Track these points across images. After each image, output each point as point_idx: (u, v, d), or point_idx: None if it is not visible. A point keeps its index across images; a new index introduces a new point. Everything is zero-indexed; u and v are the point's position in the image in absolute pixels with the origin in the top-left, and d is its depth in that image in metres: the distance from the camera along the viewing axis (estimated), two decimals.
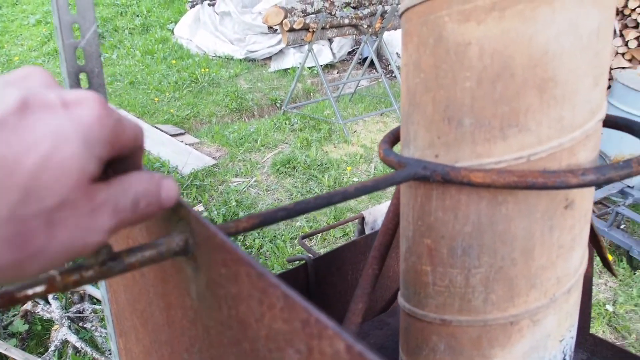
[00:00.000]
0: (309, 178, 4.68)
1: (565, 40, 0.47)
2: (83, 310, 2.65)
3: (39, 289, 0.35)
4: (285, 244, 3.65)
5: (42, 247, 0.30)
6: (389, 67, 8.20)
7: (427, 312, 0.62)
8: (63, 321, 2.55)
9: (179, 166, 4.70)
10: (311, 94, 7.23)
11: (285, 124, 5.80)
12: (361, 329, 1.19)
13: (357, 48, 8.24)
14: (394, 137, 0.70)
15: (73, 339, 2.48)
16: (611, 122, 0.62)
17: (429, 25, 0.52)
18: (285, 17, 5.36)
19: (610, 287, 3.22)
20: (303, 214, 0.49)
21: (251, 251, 3.62)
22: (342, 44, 8.32)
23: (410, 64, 0.56)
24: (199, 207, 4.11)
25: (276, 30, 7.62)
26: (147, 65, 7.60)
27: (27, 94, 0.31)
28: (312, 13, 5.57)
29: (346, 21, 5.81)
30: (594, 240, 0.78)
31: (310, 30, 5.58)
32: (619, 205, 3.38)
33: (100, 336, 2.56)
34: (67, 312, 2.61)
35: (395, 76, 7.54)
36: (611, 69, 5.18)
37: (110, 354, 2.50)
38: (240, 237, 3.72)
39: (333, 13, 5.69)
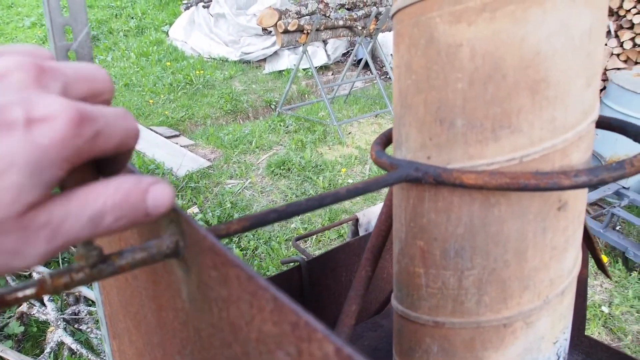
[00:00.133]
0: (304, 180, 4.67)
1: (556, 41, 0.47)
2: (78, 312, 2.64)
3: (29, 291, 0.35)
4: (280, 245, 3.65)
5: None
6: (384, 68, 8.21)
7: (420, 314, 0.62)
8: (59, 323, 2.55)
9: (174, 168, 4.69)
10: (306, 96, 7.23)
11: (280, 125, 5.80)
12: (355, 330, 1.19)
13: (352, 49, 8.25)
14: (386, 139, 0.70)
15: (69, 340, 2.48)
16: (605, 123, 0.62)
17: (420, 26, 0.52)
18: (280, 18, 5.36)
19: (605, 288, 3.22)
20: (295, 216, 0.49)
21: (246, 253, 3.61)
22: (337, 46, 8.33)
23: (401, 65, 0.56)
24: (194, 209, 4.11)
25: (270, 32, 7.62)
26: (142, 67, 7.60)
27: None
28: (307, 15, 5.57)
29: (340, 23, 5.81)
30: (588, 241, 0.79)
31: (305, 31, 5.58)
32: (615, 207, 3.39)
33: (96, 338, 2.56)
34: (63, 314, 2.61)
35: (389, 77, 7.55)
36: (606, 69, 5.19)
37: (105, 355, 2.50)
38: (235, 239, 3.72)
39: (327, 15, 5.69)
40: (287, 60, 7.87)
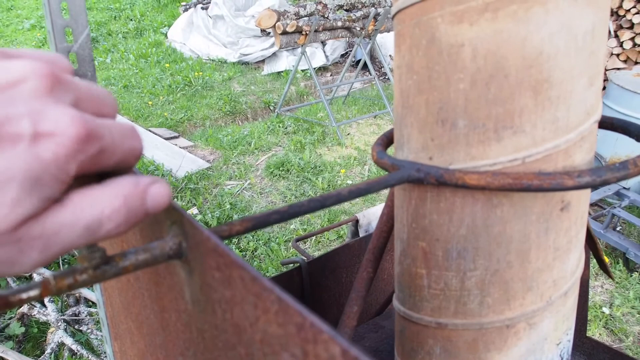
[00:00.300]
0: (303, 181, 4.67)
1: (559, 40, 0.47)
2: (79, 313, 2.65)
3: (33, 292, 0.34)
4: (280, 246, 3.65)
5: None
6: (382, 69, 8.21)
7: (423, 315, 0.62)
8: (59, 324, 2.55)
9: (173, 169, 4.69)
10: (304, 97, 7.23)
11: (279, 126, 5.80)
12: (356, 332, 1.19)
13: (350, 50, 8.26)
14: (387, 140, 0.70)
15: (69, 341, 2.48)
16: (607, 124, 0.62)
17: (421, 26, 0.52)
18: (278, 20, 5.36)
19: (606, 289, 3.22)
20: (296, 217, 0.49)
21: (245, 254, 3.61)
22: (335, 47, 8.33)
23: (402, 65, 0.56)
24: (193, 210, 4.10)
25: (269, 33, 7.63)
26: (141, 69, 7.60)
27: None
28: (305, 16, 5.57)
29: (339, 24, 5.81)
30: (591, 242, 0.78)
31: (303, 33, 5.58)
32: (615, 207, 3.39)
33: (96, 339, 2.56)
34: (63, 315, 2.61)
35: (388, 78, 7.56)
36: (606, 69, 5.20)
37: (106, 356, 2.50)
38: (235, 240, 3.72)
39: (326, 16, 5.69)
40: (285, 61, 7.88)
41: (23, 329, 2.64)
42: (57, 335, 2.51)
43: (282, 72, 7.82)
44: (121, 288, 0.70)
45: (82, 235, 0.32)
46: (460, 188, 0.53)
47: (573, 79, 0.49)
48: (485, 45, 0.48)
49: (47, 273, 2.59)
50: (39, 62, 0.33)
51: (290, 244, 3.71)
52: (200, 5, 8.46)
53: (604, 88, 4.68)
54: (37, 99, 0.31)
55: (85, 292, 2.71)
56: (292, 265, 1.33)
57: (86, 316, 2.64)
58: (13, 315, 2.69)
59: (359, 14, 5.99)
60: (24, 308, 2.66)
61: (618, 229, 3.63)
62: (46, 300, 2.66)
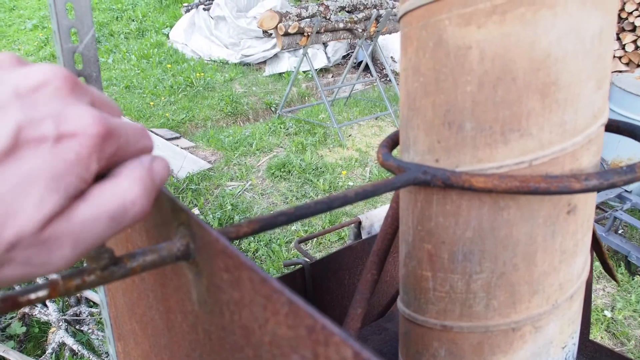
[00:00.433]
0: (304, 182, 4.67)
1: (567, 43, 0.47)
2: (80, 313, 2.65)
3: (42, 293, 0.34)
4: (281, 247, 3.65)
5: None
6: (384, 70, 8.21)
7: (428, 317, 0.62)
8: (60, 324, 2.55)
9: (175, 170, 4.69)
10: (306, 98, 7.23)
11: (280, 128, 5.80)
12: (359, 334, 1.19)
13: (352, 52, 8.26)
14: (392, 142, 0.70)
15: (70, 341, 2.48)
16: (613, 127, 0.62)
17: (428, 28, 0.52)
18: (280, 21, 5.37)
19: (608, 292, 3.22)
20: (303, 218, 0.49)
21: (246, 255, 3.61)
22: (337, 48, 8.33)
23: (409, 68, 0.56)
24: (195, 211, 4.10)
25: (271, 34, 7.62)
26: (143, 69, 7.60)
27: (24, 124, 0.29)
28: (307, 17, 5.58)
29: (341, 25, 5.82)
30: (595, 245, 0.78)
31: (305, 34, 5.58)
32: (617, 210, 3.38)
33: (97, 339, 2.56)
34: (64, 315, 2.61)
35: (390, 80, 7.55)
36: None
37: (107, 356, 2.50)
38: (236, 241, 3.72)
39: (328, 17, 5.70)
40: (287, 62, 7.88)
41: (24, 329, 2.64)
42: (58, 335, 2.51)
43: (283, 73, 7.82)
44: (125, 289, 0.70)
45: (110, 225, 0.33)
46: (467, 191, 0.53)
47: (581, 82, 0.49)
48: (493, 47, 0.48)
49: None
50: (56, 66, 0.34)
51: (291, 245, 3.71)
52: (202, 6, 8.47)
53: None
54: (59, 100, 0.32)
55: (86, 292, 2.71)
56: (293, 266, 1.33)
57: (87, 316, 2.64)
58: (14, 314, 2.69)
59: (360, 15, 5.99)
60: (25, 308, 2.66)
61: (620, 232, 3.62)
62: (47, 300, 2.66)
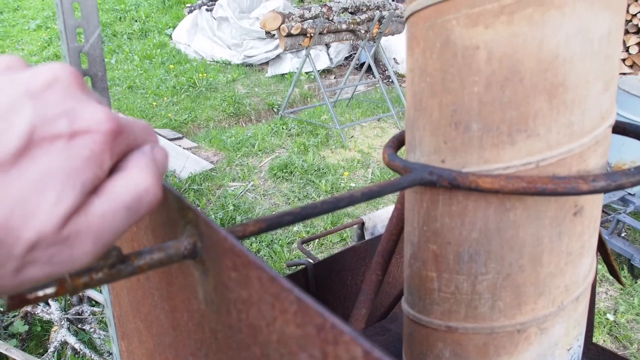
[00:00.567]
0: (306, 183, 4.67)
1: (575, 44, 0.47)
2: (82, 312, 2.65)
3: (50, 290, 0.34)
4: (283, 248, 3.65)
5: (8, 286, 0.30)
6: (386, 72, 8.21)
7: (433, 318, 0.62)
8: (62, 323, 2.55)
9: (177, 170, 4.69)
10: (308, 99, 7.23)
11: (283, 128, 5.80)
12: (363, 335, 1.19)
13: (354, 53, 8.25)
14: (398, 142, 0.70)
15: (72, 340, 2.49)
16: (619, 128, 0.61)
17: (435, 29, 0.51)
18: (283, 22, 5.37)
19: (611, 295, 3.21)
20: (310, 218, 0.49)
21: None
22: (340, 49, 8.33)
23: (415, 68, 0.56)
24: None
25: (274, 35, 7.62)
26: (146, 70, 7.61)
27: (37, 122, 0.29)
28: (310, 18, 5.57)
29: (344, 26, 5.82)
30: (601, 247, 0.78)
31: (308, 35, 5.58)
32: (620, 213, 3.37)
33: (99, 338, 2.56)
34: (66, 314, 2.61)
35: (392, 81, 7.55)
36: None
37: (108, 355, 2.50)
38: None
39: (331, 18, 5.69)
40: (289, 63, 7.88)
41: (26, 327, 2.65)
42: (60, 334, 2.51)
43: (286, 74, 7.82)
44: (130, 287, 0.70)
45: (127, 216, 0.33)
46: (473, 191, 0.53)
47: (588, 83, 0.49)
48: (501, 48, 0.48)
49: None
50: (63, 64, 0.34)
51: (293, 245, 3.71)
52: (204, 7, 8.47)
53: None
54: (70, 97, 0.32)
55: (88, 291, 2.71)
56: (295, 267, 1.33)
57: (89, 315, 2.64)
58: (17, 313, 2.70)
59: (363, 16, 5.99)
60: (28, 306, 2.66)
61: (623, 235, 3.61)
62: (55, 297, 2.66)
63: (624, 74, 5.25)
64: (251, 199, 4.42)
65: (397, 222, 0.72)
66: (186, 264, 0.45)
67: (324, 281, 1.35)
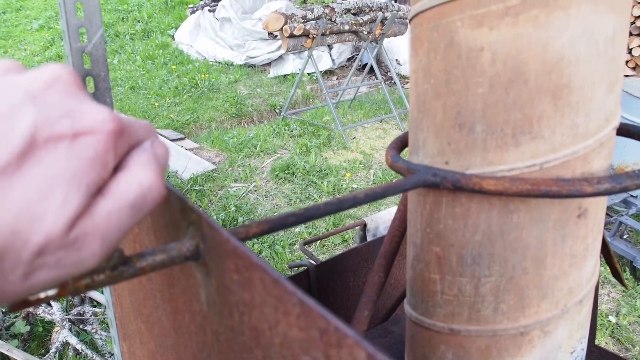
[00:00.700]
0: (308, 184, 4.67)
1: (580, 46, 0.47)
2: (83, 312, 2.65)
3: (51, 292, 0.34)
4: (284, 249, 3.64)
5: (17, 292, 0.29)
6: (389, 73, 8.21)
7: (435, 321, 0.62)
8: (64, 323, 2.55)
9: (179, 171, 4.69)
10: (310, 100, 7.23)
11: (285, 129, 5.80)
12: (365, 337, 1.19)
13: (357, 54, 8.26)
14: (401, 143, 0.70)
15: (73, 341, 2.49)
16: (624, 130, 0.61)
17: (440, 30, 0.51)
18: (286, 23, 5.37)
19: (613, 297, 3.21)
20: (313, 219, 0.49)
21: None
22: (342, 51, 8.33)
23: (419, 69, 0.56)
24: None
25: (276, 36, 7.62)
26: (148, 70, 7.61)
27: (40, 123, 0.29)
28: (312, 19, 5.57)
29: (346, 27, 5.82)
30: (604, 249, 0.78)
31: (310, 36, 5.58)
32: (622, 215, 3.36)
33: (100, 339, 2.56)
34: (68, 315, 2.61)
35: (394, 83, 7.54)
36: None
37: (110, 356, 2.50)
38: None
39: (333, 19, 5.69)
40: (292, 64, 7.88)
41: (28, 328, 2.65)
42: (62, 335, 2.51)
43: (288, 75, 7.82)
44: (132, 289, 0.69)
45: (132, 214, 0.33)
46: (477, 193, 0.52)
47: (593, 85, 0.48)
48: (505, 49, 0.48)
49: None
50: (62, 64, 0.34)
51: (295, 247, 3.71)
52: (207, 8, 8.48)
53: None
54: (71, 97, 0.32)
55: (91, 292, 2.72)
56: (297, 268, 1.32)
57: (91, 316, 2.64)
58: (18, 313, 2.70)
59: (366, 17, 5.99)
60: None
61: (625, 237, 3.61)
62: (56, 298, 2.67)
63: (627, 76, 5.24)
64: (253, 200, 4.42)
65: (400, 224, 0.72)
66: (188, 266, 0.45)
67: (326, 282, 1.35)
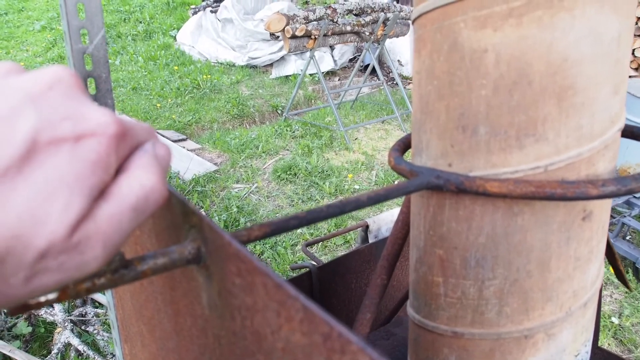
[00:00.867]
0: (310, 185, 4.67)
1: (585, 47, 0.46)
2: (85, 313, 2.65)
3: (51, 296, 0.34)
4: (286, 250, 3.64)
5: (19, 296, 0.29)
6: (391, 74, 8.21)
7: (438, 324, 0.61)
8: (66, 324, 2.55)
9: (181, 172, 4.69)
10: (312, 101, 7.23)
11: (287, 130, 5.80)
12: (367, 339, 1.18)
13: (359, 55, 8.26)
14: (404, 145, 0.69)
15: (75, 342, 2.49)
16: (627, 132, 0.61)
17: (443, 31, 0.51)
18: (288, 24, 5.37)
19: (615, 299, 3.20)
20: (315, 222, 0.48)
21: None
22: (344, 51, 8.33)
23: (422, 71, 0.55)
24: None
25: (278, 37, 7.63)
26: (150, 71, 7.62)
27: (41, 126, 0.29)
28: (314, 20, 5.57)
29: (348, 28, 5.82)
30: (608, 251, 0.77)
31: (312, 37, 5.58)
32: (625, 216, 3.35)
33: (102, 340, 2.56)
34: (70, 316, 2.61)
35: (396, 83, 7.54)
36: None
37: (112, 357, 2.50)
38: None
39: (335, 20, 5.69)
40: (293, 65, 7.88)
41: (30, 329, 2.65)
42: (64, 336, 2.51)
43: (290, 76, 7.83)
44: (133, 291, 0.69)
45: (134, 217, 0.32)
46: (481, 196, 0.52)
47: (598, 86, 0.48)
48: (509, 51, 0.47)
49: None
50: (62, 66, 0.33)
51: (297, 248, 3.70)
52: (209, 9, 8.49)
53: None
54: (72, 99, 0.32)
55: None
56: (299, 270, 1.32)
57: (93, 317, 2.65)
58: (20, 315, 2.70)
59: (368, 18, 5.99)
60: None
61: (628, 238, 3.60)
62: (57, 302, 2.67)
63: (630, 76, 5.23)
64: (255, 200, 4.42)
65: (403, 226, 0.72)
66: (190, 269, 0.45)
67: (328, 284, 1.34)
